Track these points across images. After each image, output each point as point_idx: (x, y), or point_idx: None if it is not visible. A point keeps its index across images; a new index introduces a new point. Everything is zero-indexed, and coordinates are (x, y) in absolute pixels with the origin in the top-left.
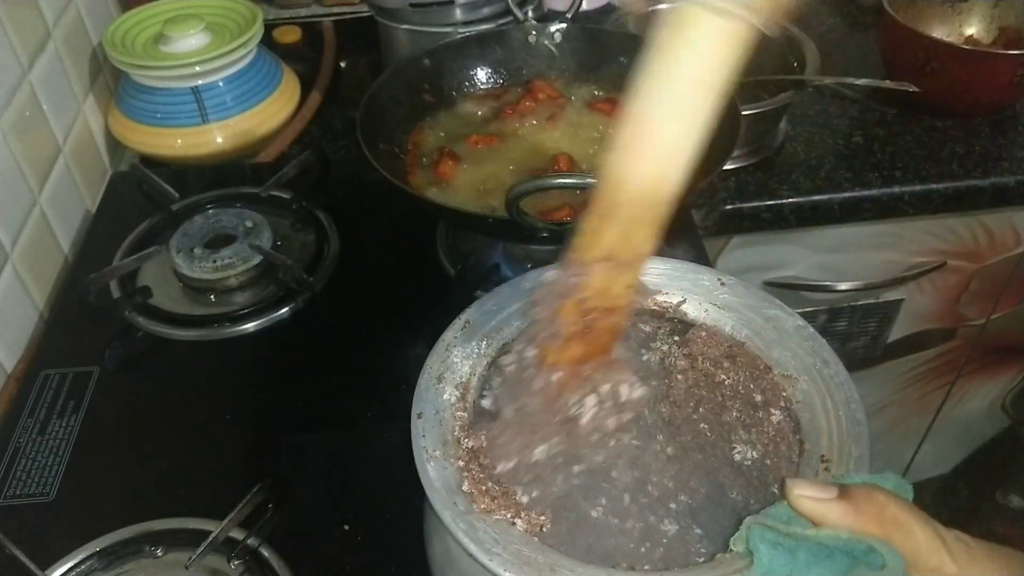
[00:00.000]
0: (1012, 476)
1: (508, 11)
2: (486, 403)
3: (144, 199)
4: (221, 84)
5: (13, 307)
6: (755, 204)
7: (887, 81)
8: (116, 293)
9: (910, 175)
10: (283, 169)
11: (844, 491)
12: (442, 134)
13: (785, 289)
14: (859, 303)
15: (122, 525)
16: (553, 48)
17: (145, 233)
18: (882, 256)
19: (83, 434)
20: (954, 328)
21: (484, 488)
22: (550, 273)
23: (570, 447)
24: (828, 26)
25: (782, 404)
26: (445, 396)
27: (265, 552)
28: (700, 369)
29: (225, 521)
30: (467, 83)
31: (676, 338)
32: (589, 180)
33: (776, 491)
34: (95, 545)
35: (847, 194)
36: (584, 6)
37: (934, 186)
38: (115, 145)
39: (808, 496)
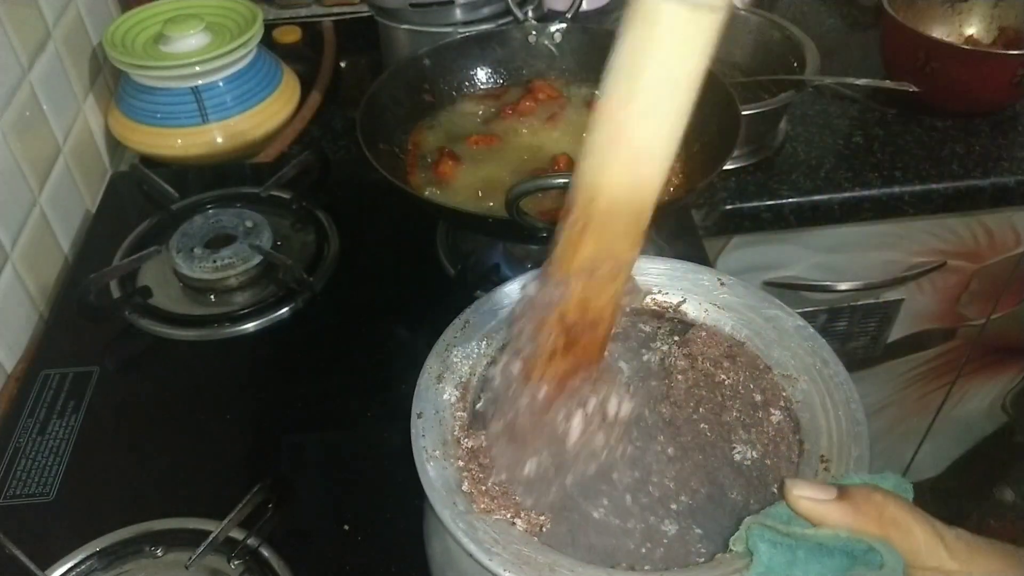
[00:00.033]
0: (1005, 472)
1: (508, 11)
2: (480, 408)
3: (144, 199)
4: (221, 84)
5: (13, 307)
6: (755, 204)
7: (887, 81)
8: (116, 293)
9: (910, 175)
10: (283, 169)
11: (843, 492)
12: (442, 134)
13: (785, 289)
14: (859, 303)
15: (122, 525)
16: (553, 48)
17: (145, 233)
18: (882, 256)
19: (83, 434)
20: (954, 328)
21: (484, 488)
22: (530, 286)
23: (560, 462)
24: (828, 26)
25: (782, 404)
26: (445, 396)
27: (265, 552)
28: (700, 369)
29: (225, 521)
30: (467, 83)
31: (676, 338)
32: None
33: (776, 491)
34: (95, 545)
35: (847, 194)
36: (584, 6)
37: (934, 186)
38: (115, 145)
39: (807, 497)
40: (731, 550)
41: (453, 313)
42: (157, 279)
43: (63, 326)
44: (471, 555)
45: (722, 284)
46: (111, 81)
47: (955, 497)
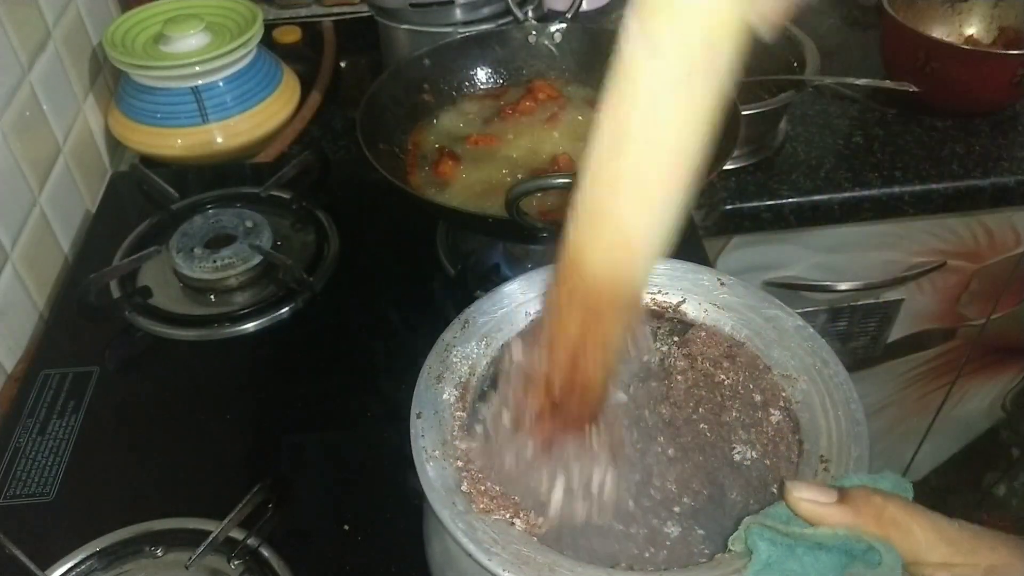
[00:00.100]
0: (998, 466)
1: (508, 11)
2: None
3: (144, 199)
4: (221, 84)
5: (13, 307)
6: (755, 204)
7: (887, 81)
8: (116, 293)
9: (910, 175)
10: (283, 169)
11: (843, 494)
12: (442, 134)
13: (785, 289)
14: (859, 303)
15: (122, 525)
16: (553, 48)
17: (145, 233)
18: (882, 256)
19: (83, 434)
20: (954, 328)
21: (483, 488)
22: (516, 347)
23: (546, 523)
24: (828, 26)
25: (781, 404)
26: (444, 396)
27: (265, 552)
28: (700, 369)
29: (225, 521)
30: (467, 83)
31: (676, 338)
32: None
33: (775, 491)
34: (95, 545)
35: (847, 194)
36: (584, 6)
37: (934, 186)
38: (115, 145)
39: (808, 499)
40: (730, 550)
41: (453, 313)
42: (157, 279)
43: (63, 326)
44: (470, 555)
45: (722, 284)
46: (111, 81)
47: (949, 492)
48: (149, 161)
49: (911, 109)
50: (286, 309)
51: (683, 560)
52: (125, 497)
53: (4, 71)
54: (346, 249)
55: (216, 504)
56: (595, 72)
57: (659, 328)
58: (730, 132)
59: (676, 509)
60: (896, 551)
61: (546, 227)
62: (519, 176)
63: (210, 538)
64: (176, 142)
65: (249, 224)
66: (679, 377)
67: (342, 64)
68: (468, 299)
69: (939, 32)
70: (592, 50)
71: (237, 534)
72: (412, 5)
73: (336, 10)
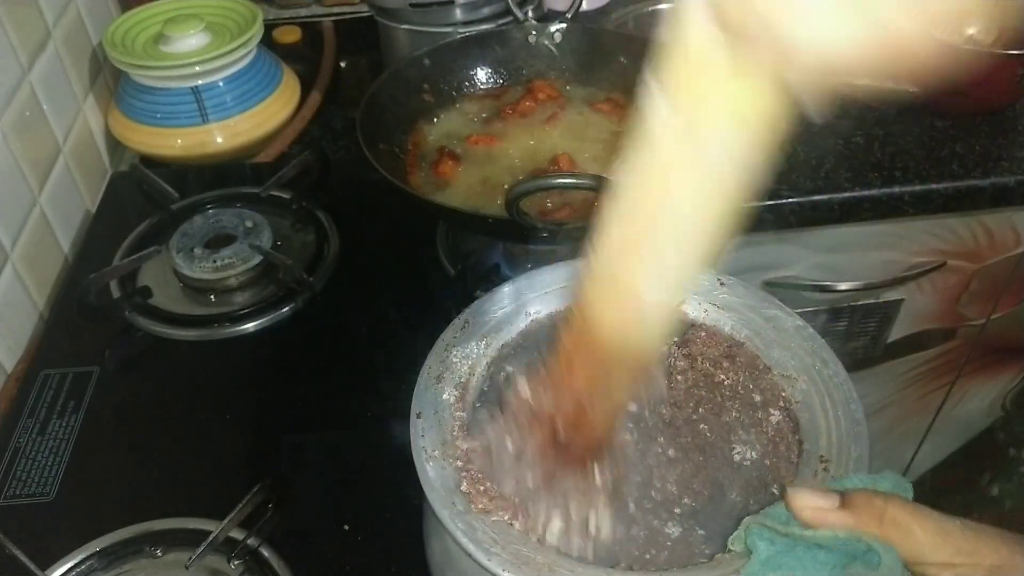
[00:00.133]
0: (993, 466)
1: (508, 11)
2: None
3: (144, 199)
4: (221, 84)
5: (13, 307)
6: (755, 204)
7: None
8: (116, 293)
9: (910, 175)
10: (283, 169)
11: (844, 499)
12: (442, 134)
13: (785, 289)
14: (859, 303)
15: (122, 525)
16: (553, 48)
17: (145, 233)
18: (882, 256)
19: (83, 434)
20: (954, 328)
21: (483, 488)
22: (521, 384)
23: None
24: None
25: (781, 404)
26: (444, 396)
27: (265, 552)
28: (700, 369)
29: (225, 521)
30: (467, 83)
31: (675, 338)
32: (589, 180)
33: (775, 491)
34: (95, 545)
35: (847, 194)
36: (584, 6)
37: (934, 186)
38: (115, 145)
39: (810, 506)
40: (730, 550)
41: (453, 313)
42: (157, 279)
43: (63, 326)
44: (470, 555)
45: (722, 284)
46: (111, 81)
47: (945, 493)
48: (149, 161)
49: (911, 109)
50: (286, 309)
51: (684, 561)
52: (125, 497)
53: (4, 71)
54: (346, 249)
55: (216, 504)
56: (595, 72)
57: None
58: None
59: (676, 510)
60: (896, 553)
61: (546, 227)
62: (519, 176)
63: (210, 538)
64: (176, 142)
65: (249, 224)
66: (679, 377)
67: (342, 64)
68: (468, 299)
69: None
70: (592, 50)
71: (237, 534)
72: (412, 5)
73: (336, 10)
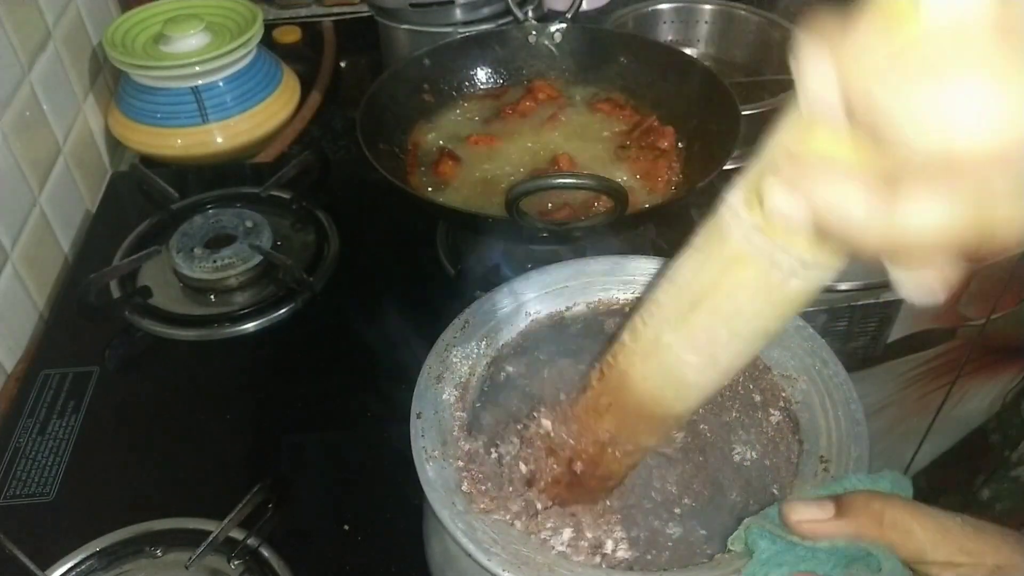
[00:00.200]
0: (986, 468)
1: (508, 11)
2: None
3: (144, 199)
4: (221, 84)
5: (13, 307)
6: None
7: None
8: (116, 293)
9: None
10: (283, 169)
11: (841, 506)
12: (442, 134)
13: None
14: (859, 303)
15: (122, 525)
16: (553, 48)
17: (145, 233)
18: None
19: (83, 434)
20: (954, 328)
21: (483, 488)
22: (545, 418)
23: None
24: None
25: (781, 404)
26: (444, 396)
27: (265, 552)
28: None
29: (225, 521)
30: (467, 83)
31: None
32: (589, 180)
33: (775, 492)
34: (95, 545)
35: None
36: (584, 6)
37: None
38: (115, 145)
39: (806, 520)
40: (730, 550)
41: (453, 313)
42: (157, 279)
43: (63, 326)
44: (470, 555)
45: None
46: (111, 81)
47: (941, 494)
48: (149, 161)
49: None
50: (286, 309)
51: (684, 561)
52: (125, 497)
53: (4, 71)
54: (346, 249)
55: (216, 504)
56: (595, 72)
57: None
58: (730, 132)
59: (677, 510)
60: (896, 557)
61: (546, 227)
62: (519, 176)
63: (210, 538)
64: (176, 142)
65: (249, 224)
66: None
67: (342, 64)
68: (468, 299)
69: None
70: (592, 50)
71: (237, 534)
72: (412, 5)
73: (336, 10)
